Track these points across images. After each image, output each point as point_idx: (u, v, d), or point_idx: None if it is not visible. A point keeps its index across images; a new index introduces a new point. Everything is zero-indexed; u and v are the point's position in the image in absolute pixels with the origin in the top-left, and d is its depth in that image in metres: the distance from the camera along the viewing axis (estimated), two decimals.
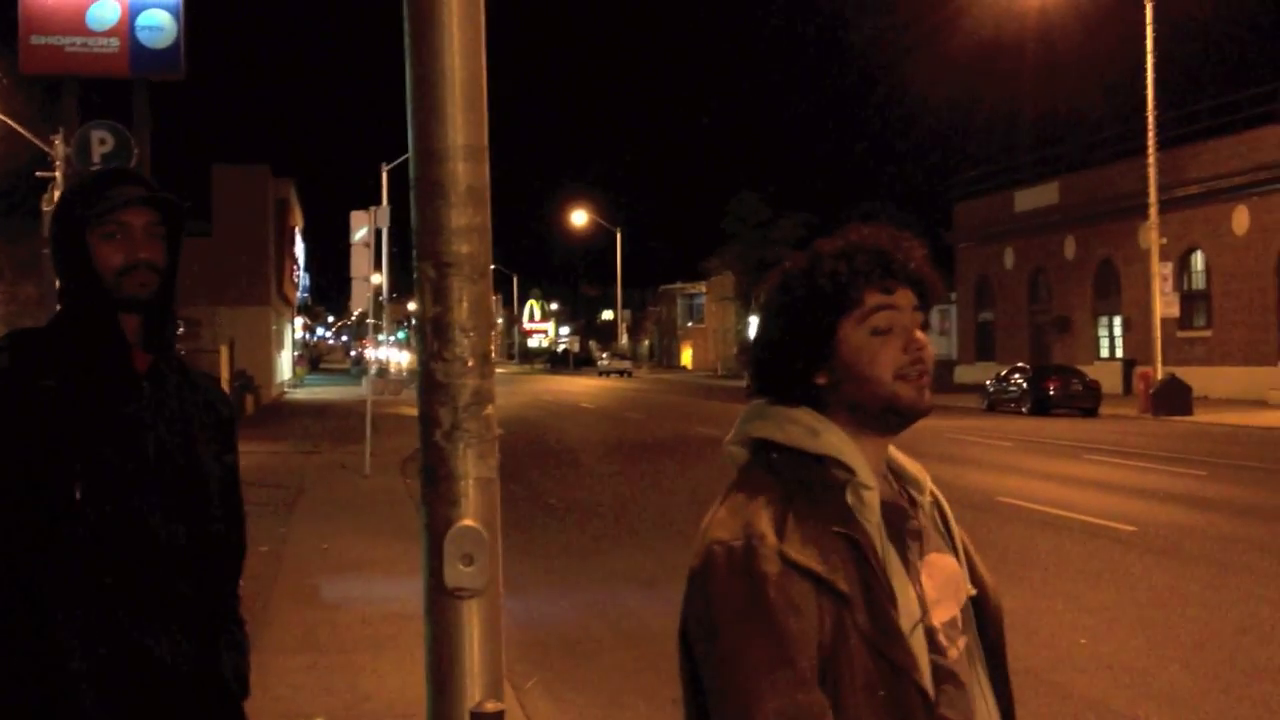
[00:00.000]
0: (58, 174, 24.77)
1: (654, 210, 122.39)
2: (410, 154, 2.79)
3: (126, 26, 30.63)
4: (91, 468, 2.27)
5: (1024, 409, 34.53)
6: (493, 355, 2.84)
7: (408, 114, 2.74)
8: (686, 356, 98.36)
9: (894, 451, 1.92)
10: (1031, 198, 50.83)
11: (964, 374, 54.16)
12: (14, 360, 2.32)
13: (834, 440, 1.80)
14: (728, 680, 1.65)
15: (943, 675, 1.76)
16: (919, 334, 1.82)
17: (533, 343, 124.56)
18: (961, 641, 1.83)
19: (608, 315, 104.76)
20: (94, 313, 2.40)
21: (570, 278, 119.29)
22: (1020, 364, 38.83)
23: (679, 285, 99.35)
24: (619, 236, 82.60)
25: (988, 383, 38.25)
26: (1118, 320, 45.47)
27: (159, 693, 2.31)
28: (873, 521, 1.76)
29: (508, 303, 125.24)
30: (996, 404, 36.28)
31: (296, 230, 62.23)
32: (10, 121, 23.96)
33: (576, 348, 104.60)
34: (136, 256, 2.42)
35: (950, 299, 59.60)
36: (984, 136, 56.89)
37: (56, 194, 24.33)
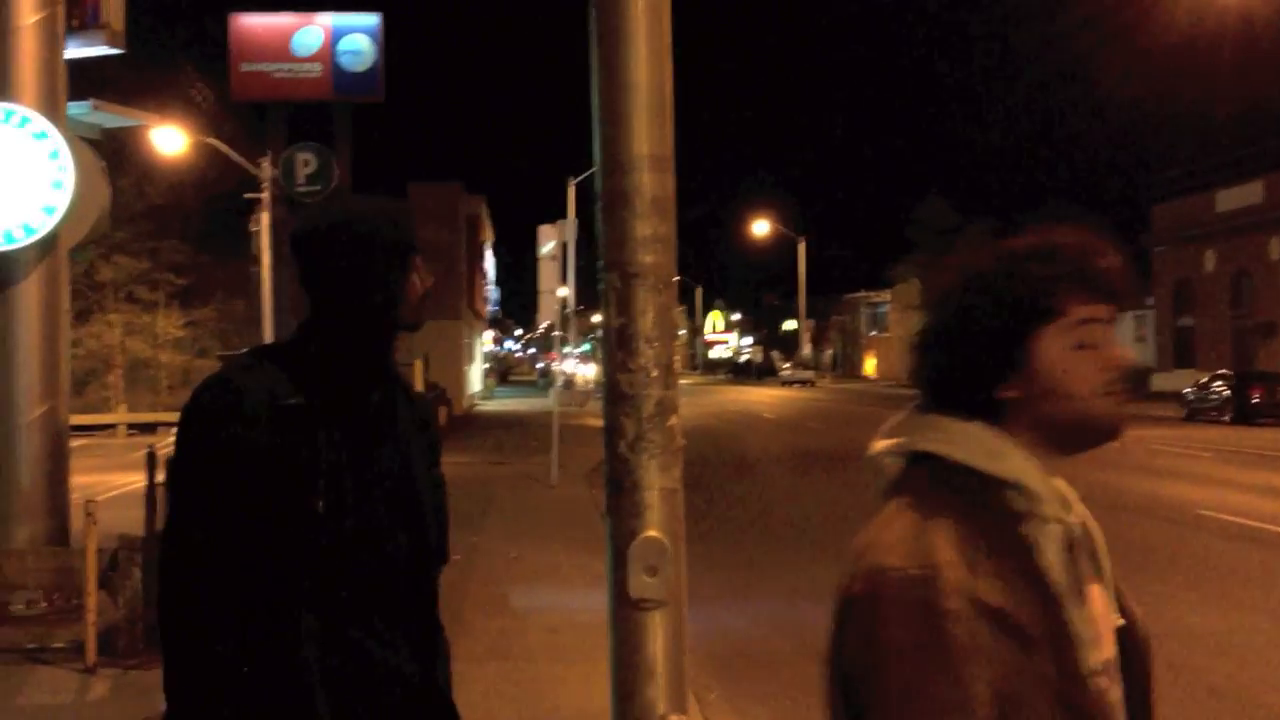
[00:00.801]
0: (265, 195, 25.87)
1: (838, 217, 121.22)
2: (596, 165, 2.84)
3: (329, 51, 31.85)
4: (332, 483, 2.33)
5: (1226, 418, 33.05)
6: (676, 366, 2.87)
7: (593, 125, 2.80)
8: (870, 366, 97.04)
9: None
10: (1234, 197, 48.62)
11: (1162, 382, 52.08)
12: (261, 378, 2.39)
13: (1019, 463, 1.62)
14: (891, 714, 1.49)
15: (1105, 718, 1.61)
16: (1123, 349, 1.68)
17: (715, 353, 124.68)
18: (1118, 681, 1.69)
19: (790, 325, 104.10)
20: (373, 335, 2.46)
21: (753, 287, 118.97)
22: (1222, 370, 37.17)
23: (863, 294, 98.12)
24: (802, 245, 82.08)
25: (1187, 390, 36.76)
26: None
27: (385, 700, 2.38)
28: (1052, 555, 1.60)
29: (691, 314, 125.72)
30: (1196, 413, 34.84)
31: (487, 245, 63.72)
32: (222, 146, 25.16)
33: (759, 358, 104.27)
34: (429, 284, 2.53)
35: (1147, 304, 57.44)
36: (1181, 135, 54.64)
37: (265, 215, 25.47)
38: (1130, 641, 1.76)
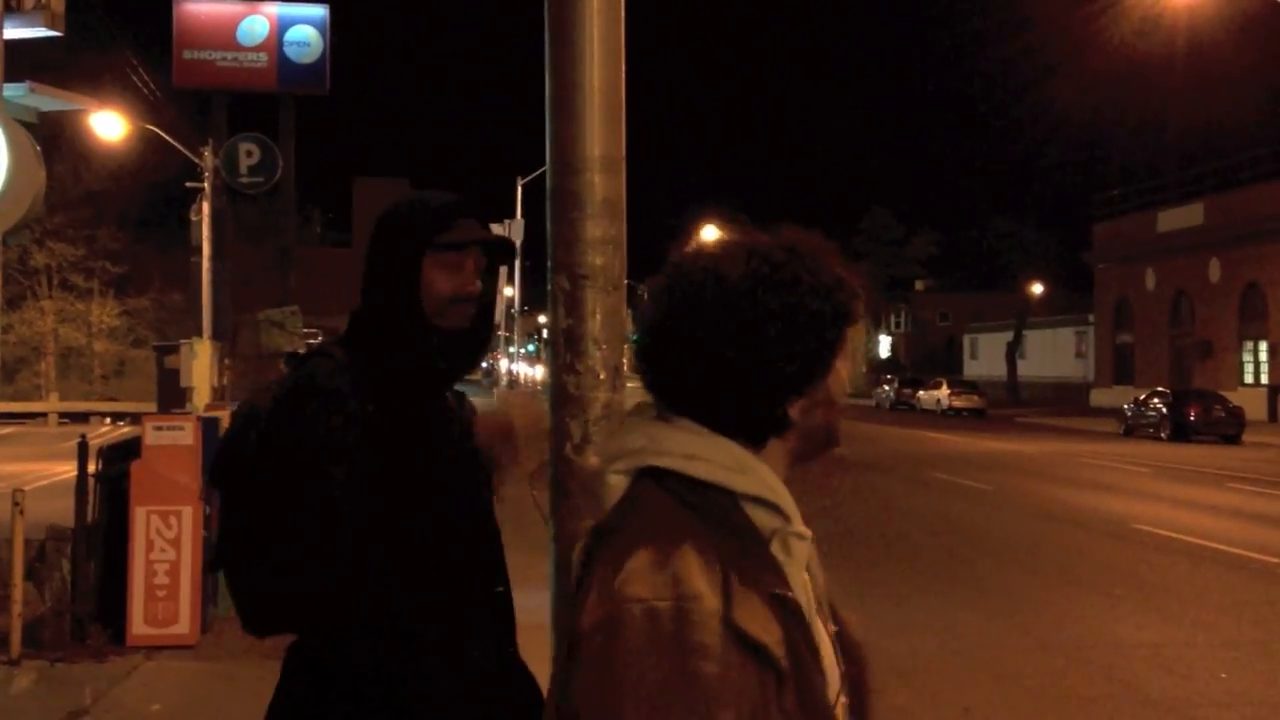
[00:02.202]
0: (206, 185, 25.55)
1: (784, 224, 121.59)
2: (548, 164, 2.80)
3: (275, 42, 31.55)
4: (403, 483, 2.34)
5: (1163, 434, 33.57)
6: (625, 369, 2.83)
7: (546, 125, 2.75)
8: None
9: None
10: (1175, 218, 49.42)
11: (1100, 397, 52.84)
12: (342, 382, 2.36)
13: (766, 478, 1.47)
14: None
15: None
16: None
17: None
18: (845, 698, 1.58)
19: None
20: (412, 338, 2.43)
21: None
22: (1160, 388, 37.77)
23: None
24: None
25: (1125, 407, 37.31)
26: (1263, 345, 43.92)
27: (481, 695, 2.39)
28: (799, 577, 1.47)
29: (639, 318, 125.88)
30: (1134, 429, 35.38)
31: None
32: (163, 134, 24.81)
33: None
34: (466, 290, 2.46)
35: (1088, 320, 58.23)
36: (1125, 156, 55.40)
37: (206, 205, 25.17)
38: (845, 648, 1.64)
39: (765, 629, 1.38)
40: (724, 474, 1.46)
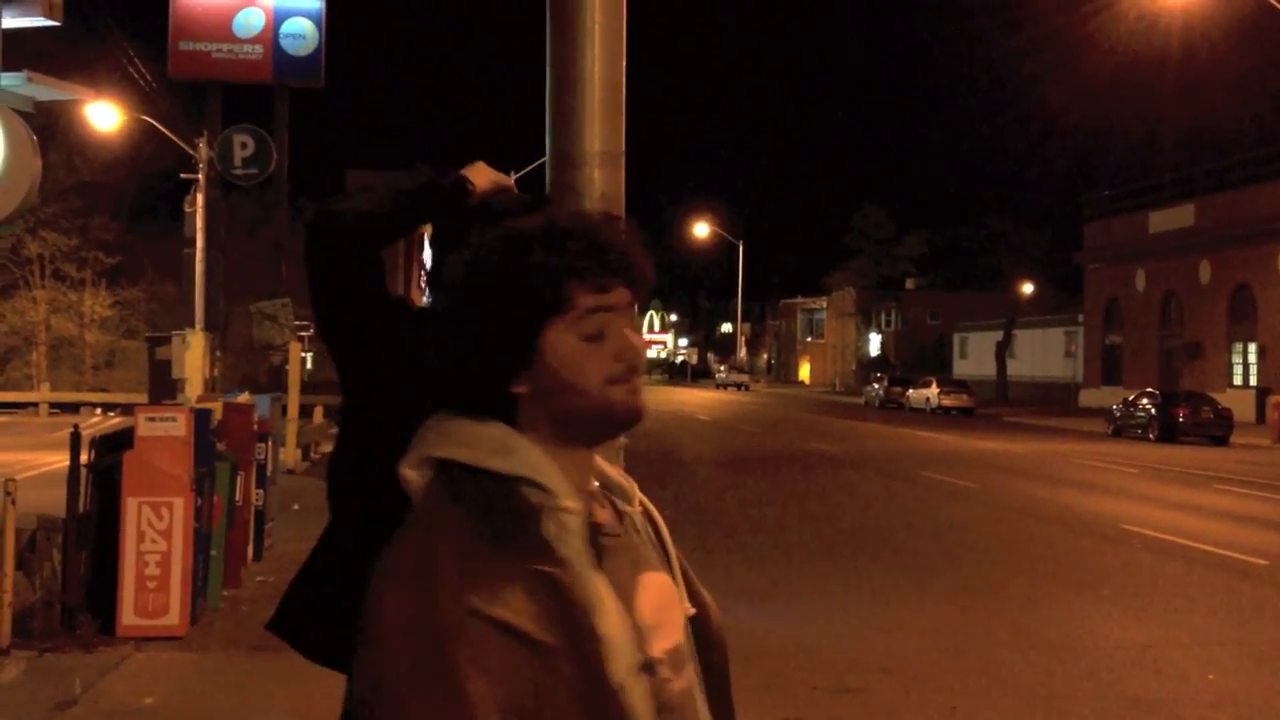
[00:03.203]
0: (201, 176, 25.51)
1: (777, 223, 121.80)
2: (547, 158, 2.81)
3: (271, 34, 31.47)
4: None
5: (1151, 435, 33.65)
6: None
7: (546, 118, 2.76)
8: (804, 371, 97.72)
9: (599, 460, 1.67)
10: (1166, 219, 49.52)
11: (1089, 397, 52.92)
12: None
13: (529, 458, 1.52)
14: None
15: (666, 712, 1.53)
16: (633, 337, 1.58)
17: (651, 353, 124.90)
18: (688, 670, 1.61)
19: (727, 328, 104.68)
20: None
21: (690, 289, 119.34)
22: (1149, 389, 37.85)
23: (799, 300, 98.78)
24: (741, 249, 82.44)
25: (1114, 407, 37.38)
26: (1252, 347, 44.04)
27: None
28: (575, 549, 1.49)
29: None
30: (1123, 429, 35.45)
31: (425, 236, 63.25)
32: (157, 125, 24.76)
33: (695, 359, 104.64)
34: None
35: (1077, 320, 58.34)
36: (1118, 157, 55.49)
37: (200, 197, 25.13)
38: (702, 630, 1.67)
39: (511, 608, 1.42)
40: (489, 458, 1.51)
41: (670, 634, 1.58)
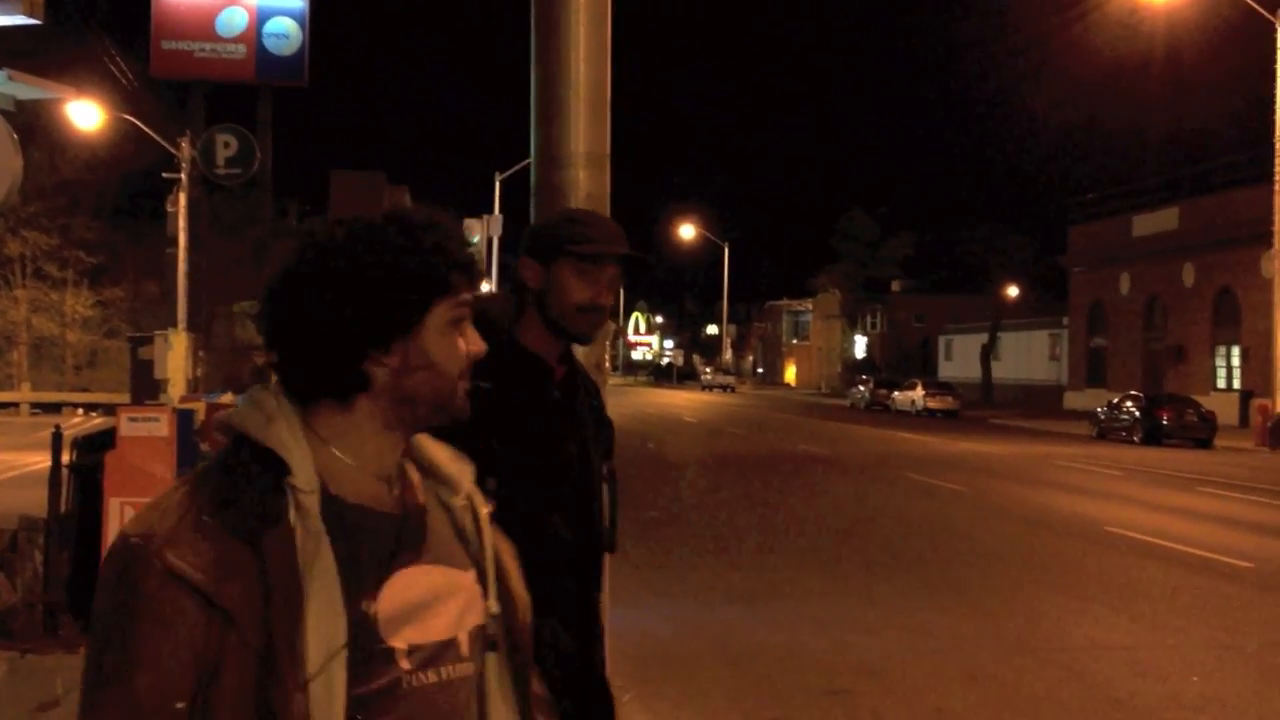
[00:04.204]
0: (183, 176, 25.41)
1: (762, 226, 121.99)
2: (532, 159, 2.80)
3: (254, 33, 31.37)
4: (508, 466, 2.38)
5: (1136, 438, 33.77)
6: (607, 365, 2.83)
7: (531, 120, 2.74)
8: (790, 373, 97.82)
9: (435, 449, 1.70)
10: (1150, 223, 49.72)
11: (1073, 400, 53.11)
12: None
13: (280, 433, 1.55)
14: (83, 688, 1.49)
15: (405, 702, 1.54)
16: (474, 335, 1.65)
17: (637, 355, 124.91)
18: (458, 668, 1.61)
19: (713, 330, 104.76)
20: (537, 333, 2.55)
21: (676, 291, 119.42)
22: (1133, 392, 37.98)
23: (785, 302, 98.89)
24: (726, 251, 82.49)
25: (1099, 410, 37.50)
26: (1236, 350, 44.24)
27: (548, 677, 2.44)
28: (309, 529, 1.52)
29: (613, 314, 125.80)
30: (1107, 432, 35.57)
31: None
32: (139, 124, 24.66)
33: (680, 361, 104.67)
34: (598, 300, 2.58)
35: (1062, 323, 58.52)
36: (1103, 160, 55.79)
37: (182, 196, 25.02)
38: (508, 625, 1.70)
39: (201, 569, 1.46)
40: (255, 428, 1.56)
41: (428, 629, 1.58)
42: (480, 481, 2.33)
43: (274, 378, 1.62)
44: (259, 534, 1.49)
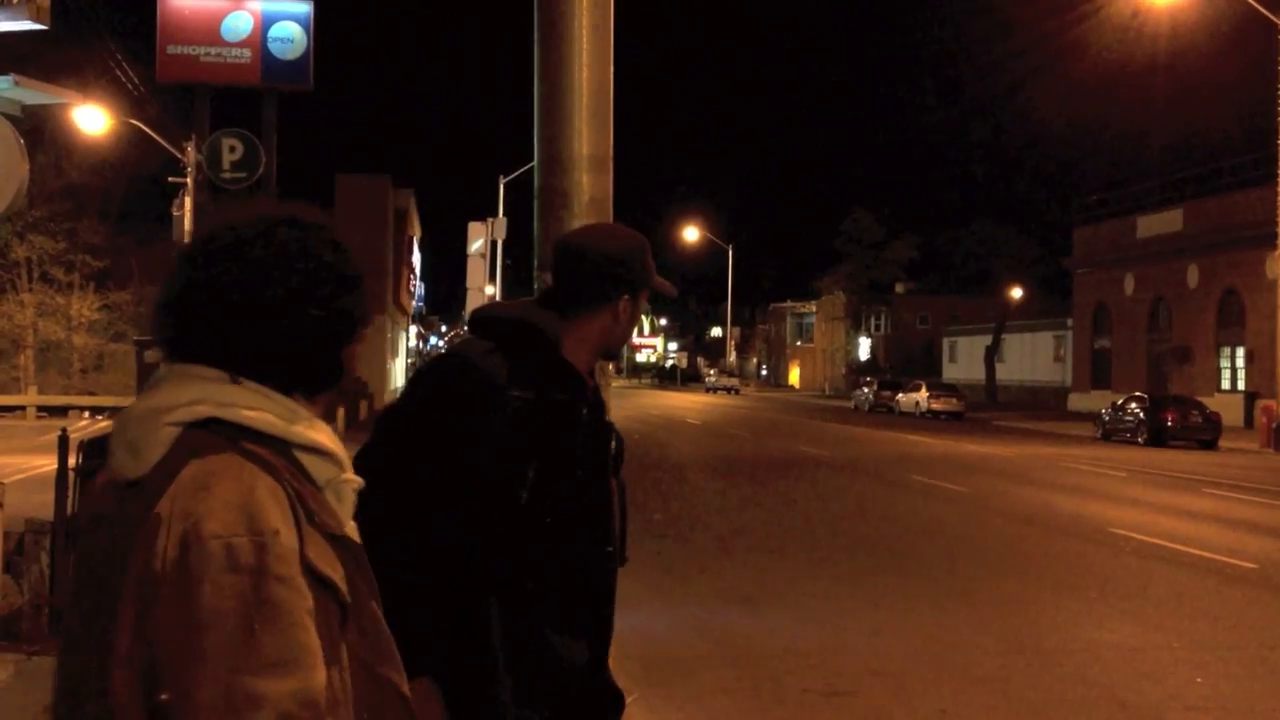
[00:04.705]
0: (189, 180, 25.46)
1: (766, 228, 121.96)
2: (535, 163, 2.82)
3: (259, 38, 31.40)
4: (539, 479, 2.41)
5: (1140, 439, 33.75)
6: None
7: (534, 124, 2.76)
8: (794, 375, 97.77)
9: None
10: (1155, 224, 49.69)
11: (1077, 401, 53.06)
12: (496, 365, 2.45)
13: (314, 428, 1.62)
14: (219, 680, 1.42)
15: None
16: None
17: (641, 357, 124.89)
18: None
19: (716, 332, 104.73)
20: (553, 343, 2.56)
21: (680, 293, 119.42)
22: (1137, 393, 37.95)
23: (789, 304, 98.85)
24: (730, 253, 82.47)
25: (1103, 411, 37.48)
26: (1240, 351, 44.20)
27: (561, 690, 2.46)
28: (350, 522, 1.62)
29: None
30: (1111, 433, 35.54)
31: (414, 240, 63.25)
32: (145, 128, 24.70)
33: (684, 363, 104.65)
34: (631, 336, 2.72)
35: (1066, 325, 58.48)
36: (1107, 162, 55.72)
37: (188, 200, 25.08)
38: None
39: (332, 566, 1.53)
40: (281, 425, 1.58)
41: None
42: (514, 493, 2.37)
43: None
44: (342, 529, 1.61)
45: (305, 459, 1.59)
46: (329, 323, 1.63)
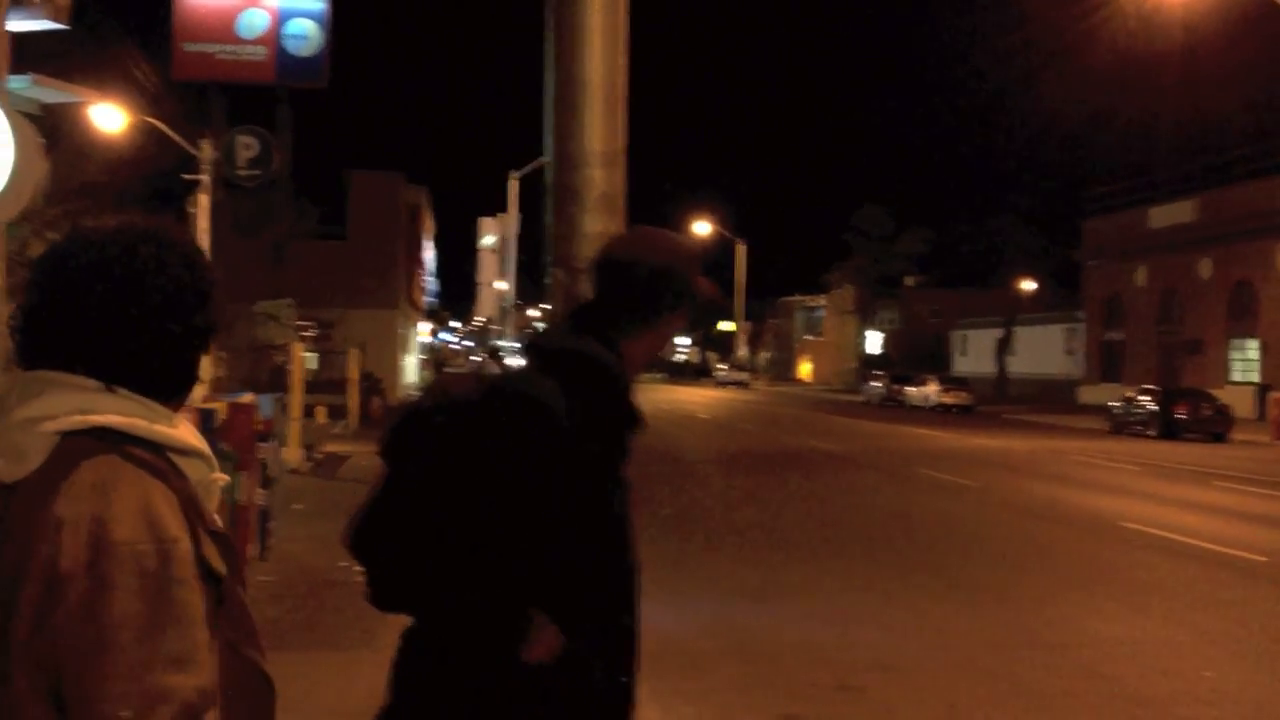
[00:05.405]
0: (204, 177, 25.56)
1: (776, 221, 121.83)
2: (547, 159, 2.86)
3: (274, 35, 31.47)
4: (590, 515, 2.41)
5: (1151, 432, 33.66)
6: None
7: (545, 120, 2.81)
8: (804, 369, 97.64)
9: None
10: (1167, 215, 49.51)
11: (1089, 394, 52.89)
12: (552, 393, 2.39)
13: (190, 431, 1.74)
14: (132, 676, 1.52)
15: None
16: None
17: None
18: None
19: (726, 326, 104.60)
20: (623, 382, 2.52)
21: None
22: (1148, 386, 37.85)
23: (798, 298, 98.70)
24: (740, 247, 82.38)
25: (1114, 404, 37.37)
26: (1253, 344, 44.05)
27: (581, 699, 2.44)
28: (217, 516, 1.75)
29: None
30: (1122, 426, 35.44)
31: (427, 236, 63.29)
32: (162, 126, 24.79)
33: (695, 358, 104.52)
34: (664, 350, 2.68)
35: (1077, 317, 58.30)
36: (1118, 153, 55.45)
37: (204, 198, 25.17)
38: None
39: (219, 561, 1.65)
40: (160, 431, 1.67)
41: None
42: (554, 523, 2.36)
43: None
44: (216, 525, 1.72)
45: (180, 461, 1.69)
46: (186, 336, 1.73)
